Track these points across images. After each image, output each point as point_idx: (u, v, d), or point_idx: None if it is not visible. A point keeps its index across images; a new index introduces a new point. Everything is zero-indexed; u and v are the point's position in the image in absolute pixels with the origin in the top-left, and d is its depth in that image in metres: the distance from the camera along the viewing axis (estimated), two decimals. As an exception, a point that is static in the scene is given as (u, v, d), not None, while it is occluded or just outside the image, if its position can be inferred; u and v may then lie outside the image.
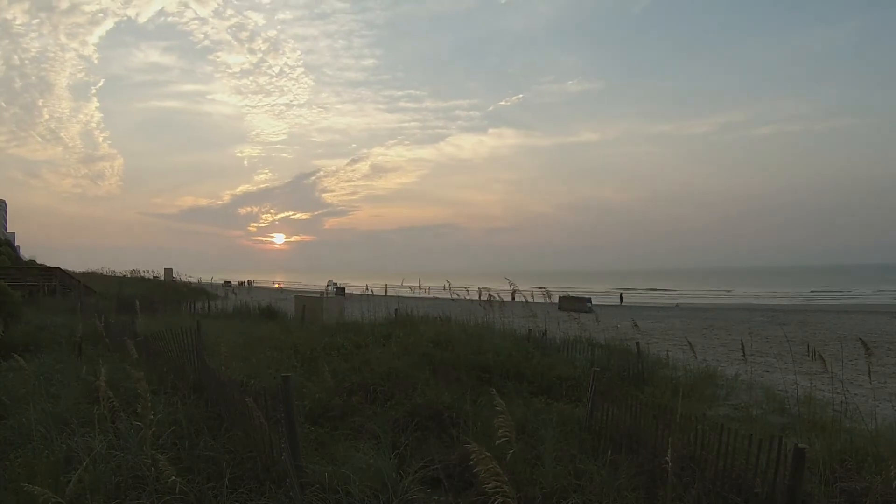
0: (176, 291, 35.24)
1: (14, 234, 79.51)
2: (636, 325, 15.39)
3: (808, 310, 40.54)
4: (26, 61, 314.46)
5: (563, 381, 8.55)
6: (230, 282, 63.58)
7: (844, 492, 4.73)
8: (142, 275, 51.06)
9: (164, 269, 58.85)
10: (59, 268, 32.87)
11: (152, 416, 4.59)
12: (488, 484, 2.85)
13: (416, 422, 6.35)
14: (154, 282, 46.78)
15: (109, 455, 4.46)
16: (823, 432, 6.40)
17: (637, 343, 11.27)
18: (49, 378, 7.04)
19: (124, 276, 49.43)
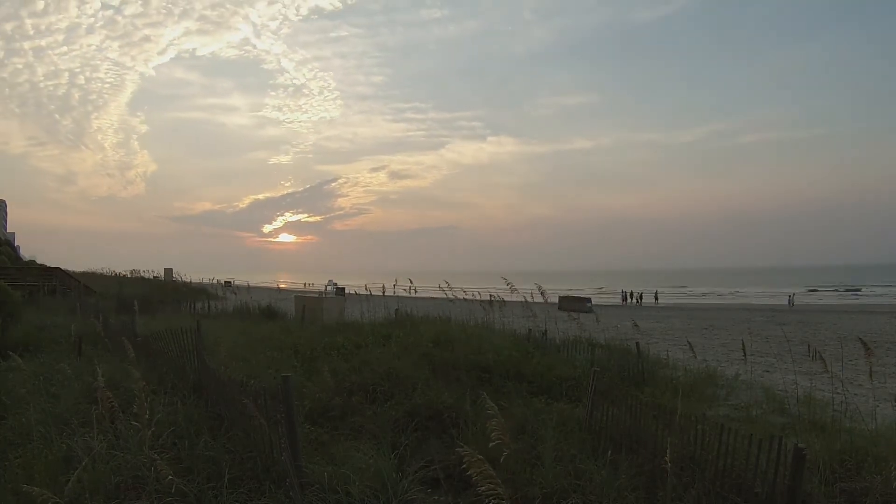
0: (176, 291, 35.21)
1: (14, 234, 79.49)
2: (636, 325, 15.41)
3: (808, 310, 40.53)
4: (92, 81, 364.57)
5: (563, 381, 8.54)
6: (230, 281, 63.55)
7: (844, 492, 4.73)
8: (142, 275, 51.01)
9: (165, 269, 58.84)
10: (59, 268, 32.90)
11: (148, 417, 4.59)
12: (482, 486, 2.85)
13: (416, 422, 6.35)
14: (154, 282, 46.71)
15: (109, 455, 4.45)
16: (823, 432, 6.40)
17: (637, 343, 11.26)
18: (49, 378, 7.04)
19: (124, 276, 49.37)
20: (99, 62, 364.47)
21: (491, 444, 4.02)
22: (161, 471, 3.78)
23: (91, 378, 6.36)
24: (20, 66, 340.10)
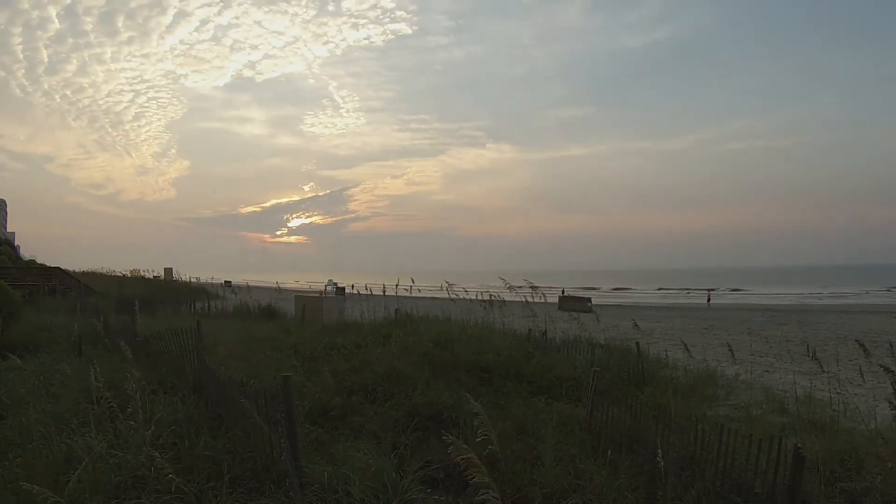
0: (176, 291, 35.22)
1: (14, 233, 79.47)
2: (636, 325, 15.38)
3: (808, 310, 40.52)
4: (153, 100, 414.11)
5: (563, 381, 8.54)
6: (230, 281, 63.57)
7: (844, 492, 4.73)
8: (142, 274, 51.01)
9: (165, 268, 58.84)
10: (58, 268, 32.89)
11: (148, 416, 4.59)
12: (473, 479, 2.86)
13: (416, 422, 6.35)
14: (154, 281, 46.70)
15: (109, 455, 4.46)
16: (823, 432, 6.40)
17: (637, 343, 11.25)
18: (49, 378, 7.05)
19: (124, 275, 49.35)
20: (164, 83, 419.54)
21: (478, 439, 4.03)
22: (162, 469, 3.78)
23: (91, 378, 6.36)
24: (85, 85, 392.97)
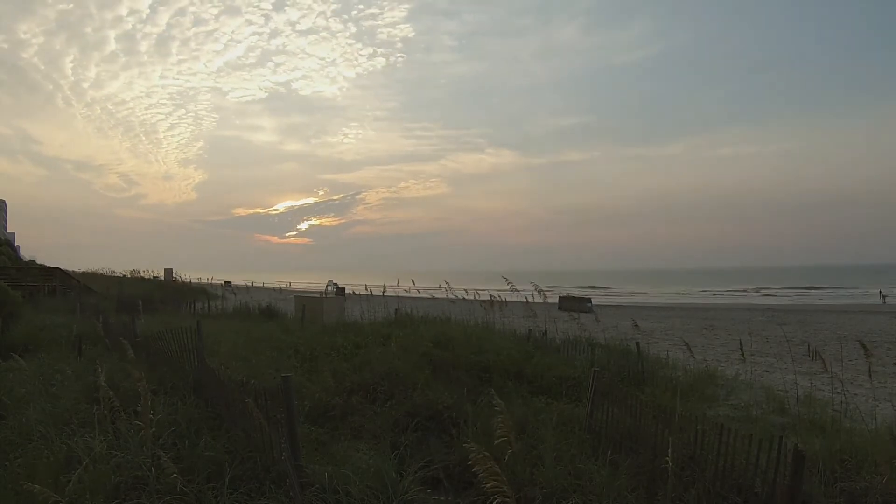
0: (176, 291, 35.17)
1: (14, 233, 79.45)
2: (636, 325, 15.38)
3: (808, 310, 40.49)
4: (190, 113, 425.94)
5: (563, 381, 8.54)
6: (230, 282, 63.56)
7: (844, 492, 4.73)
8: (141, 275, 50.95)
9: (164, 269, 58.78)
10: (58, 268, 32.90)
11: (152, 416, 4.59)
12: (487, 483, 2.85)
13: (416, 422, 6.35)
14: (154, 282, 46.64)
15: (109, 455, 4.46)
16: (823, 432, 6.40)
17: (637, 343, 11.25)
18: (49, 378, 7.04)
19: (124, 276, 49.32)
20: (204, 98, 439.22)
21: (496, 442, 4.02)
22: (166, 468, 3.78)
23: (91, 378, 6.37)
24: (127, 99, 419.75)
